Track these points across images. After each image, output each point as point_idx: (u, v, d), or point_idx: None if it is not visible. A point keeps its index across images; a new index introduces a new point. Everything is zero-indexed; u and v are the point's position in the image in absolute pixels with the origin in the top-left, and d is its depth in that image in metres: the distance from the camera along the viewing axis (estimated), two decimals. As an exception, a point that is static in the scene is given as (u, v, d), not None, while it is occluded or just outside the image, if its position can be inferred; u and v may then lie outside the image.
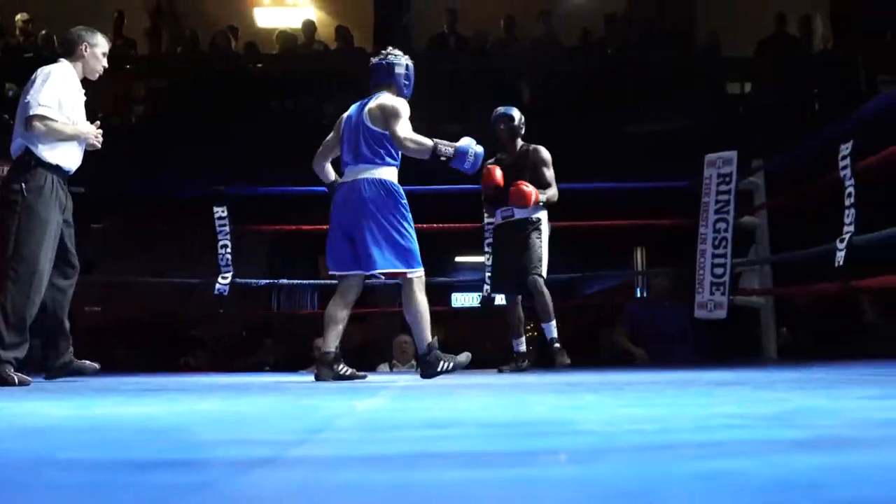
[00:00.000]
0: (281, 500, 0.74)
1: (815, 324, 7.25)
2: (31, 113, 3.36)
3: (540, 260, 4.52)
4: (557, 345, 4.51)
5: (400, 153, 3.72)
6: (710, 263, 5.75)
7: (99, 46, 3.73)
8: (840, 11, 9.20)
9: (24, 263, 3.32)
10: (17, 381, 3.15)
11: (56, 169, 3.46)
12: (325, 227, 5.83)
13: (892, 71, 9.18)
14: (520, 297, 4.67)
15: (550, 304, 4.51)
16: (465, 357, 3.72)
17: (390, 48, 3.96)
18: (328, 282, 6.53)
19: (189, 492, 0.76)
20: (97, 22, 8.60)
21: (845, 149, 4.50)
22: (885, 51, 9.36)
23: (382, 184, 3.63)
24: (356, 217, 3.61)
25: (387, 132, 3.61)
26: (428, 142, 3.59)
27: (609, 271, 9.16)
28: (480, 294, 5.83)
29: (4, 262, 3.33)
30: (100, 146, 3.65)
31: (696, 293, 5.80)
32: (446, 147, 3.62)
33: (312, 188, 5.89)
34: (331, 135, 3.91)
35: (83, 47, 3.67)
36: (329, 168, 3.93)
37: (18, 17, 8.09)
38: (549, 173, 4.64)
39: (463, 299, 9.91)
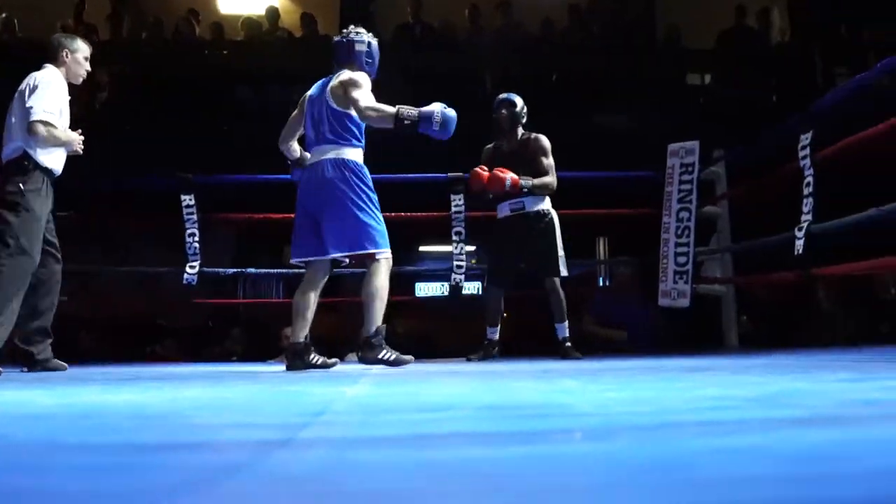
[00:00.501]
0: (319, 477, 0.74)
1: (774, 312, 7.39)
2: (34, 118, 3.47)
3: (560, 260, 4.55)
4: (569, 344, 4.52)
5: (364, 133, 3.63)
6: (673, 252, 5.82)
7: (80, 51, 3.79)
8: (797, 4, 9.36)
9: (19, 258, 3.48)
10: None
11: (49, 172, 3.62)
12: (291, 215, 5.83)
13: (848, 63, 9.36)
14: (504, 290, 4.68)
15: (563, 304, 4.54)
16: (409, 358, 3.60)
17: (352, 26, 3.84)
18: (295, 270, 6.51)
19: (229, 471, 0.76)
20: (58, 6, 8.50)
21: (805, 139, 4.58)
22: (840, 43, 9.55)
23: (346, 164, 3.54)
24: (320, 199, 3.54)
25: (349, 111, 3.52)
26: (390, 109, 3.44)
27: (572, 260, 9.23)
28: (448, 283, 5.86)
29: None
30: (80, 153, 3.73)
31: (659, 282, 5.87)
32: (409, 111, 3.45)
33: (280, 176, 5.87)
34: (295, 112, 3.85)
35: (64, 53, 3.73)
36: (295, 145, 3.84)
37: (-24, 0, 8.00)
38: (548, 161, 4.60)
39: (427, 289, 9.92)
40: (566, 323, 4.56)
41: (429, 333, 7.69)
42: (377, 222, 3.58)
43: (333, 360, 3.84)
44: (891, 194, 5.73)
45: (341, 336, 7.30)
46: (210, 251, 5.78)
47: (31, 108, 3.49)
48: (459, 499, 0.67)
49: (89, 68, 3.86)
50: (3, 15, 7.96)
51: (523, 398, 1.64)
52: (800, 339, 6.92)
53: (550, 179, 4.57)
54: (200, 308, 7.34)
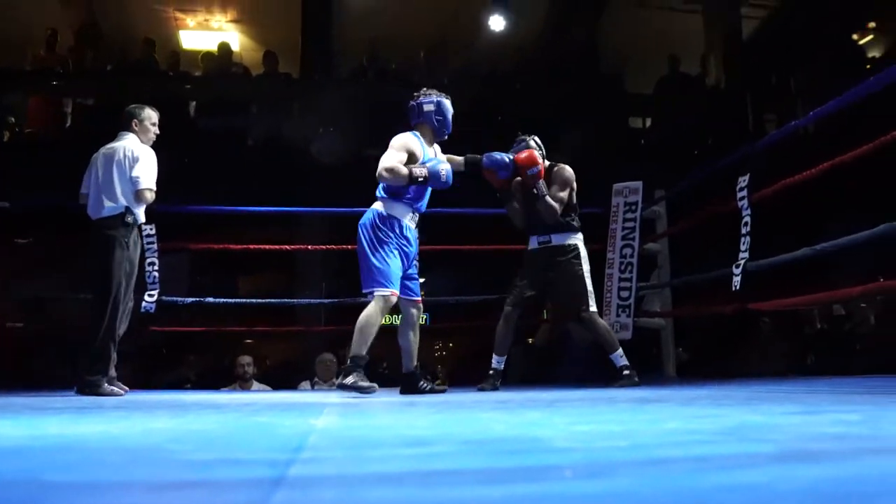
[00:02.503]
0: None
1: (710, 344, 7.50)
2: (143, 187, 4.17)
3: (587, 294, 4.46)
4: (627, 371, 4.45)
5: (409, 188, 3.98)
6: (616, 287, 5.88)
7: (147, 119, 4.36)
8: (731, 54, 9.63)
9: (117, 297, 4.11)
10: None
11: (140, 226, 4.35)
12: (249, 246, 5.76)
13: (776, 111, 9.66)
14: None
15: (609, 334, 4.53)
16: (373, 386, 3.77)
17: (424, 89, 4.24)
18: (250, 301, 6.43)
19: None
20: (27, 38, 8.38)
21: (743, 181, 4.69)
22: (770, 92, 9.86)
23: (376, 213, 4.00)
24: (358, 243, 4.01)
25: None
26: (403, 171, 3.86)
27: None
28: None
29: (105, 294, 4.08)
30: None
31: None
32: (419, 171, 3.90)
33: (239, 208, 5.81)
34: None
35: (133, 123, 4.32)
36: None
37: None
38: (560, 194, 4.51)
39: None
40: (619, 351, 4.50)
41: (374, 361, 7.64)
42: (382, 263, 3.90)
43: (442, 387, 4.45)
44: (816, 234, 5.87)
45: (294, 364, 7.21)
46: (166, 279, 5.66)
47: (138, 177, 4.15)
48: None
49: (158, 131, 4.40)
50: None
51: (498, 432, 1.62)
52: (734, 369, 7.03)
53: (554, 205, 4.48)
54: (152, 335, 7.18)
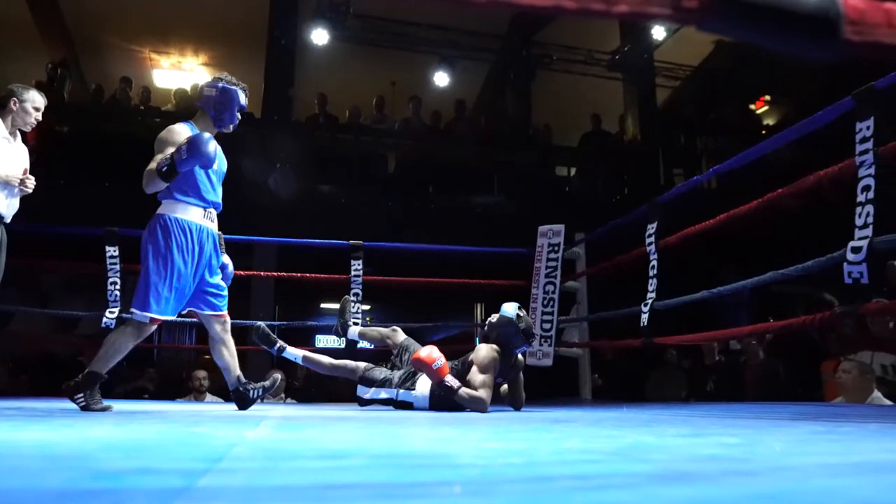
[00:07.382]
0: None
1: (622, 370, 7.55)
2: None
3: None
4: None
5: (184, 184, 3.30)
6: (539, 319, 5.89)
7: (29, 102, 3.58)
8: (646, 116, 9.87)
9: None
10: None
11: None
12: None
13: (683, 166, 9.89)
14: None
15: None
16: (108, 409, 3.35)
17: (218, 74, 3.44)
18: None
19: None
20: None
21: (651, 228, 4.75)
22: (678, 150, 10.10)
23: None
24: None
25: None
26: (151, 166, 3.18)
27: (453, 322, 9.25)
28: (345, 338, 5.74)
29: None
30: (29, 190, 3.60)
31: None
32: (163, 158, 3.13)
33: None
34: None
35: (13, 102, 3.56)
36: None
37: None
38: (483, 377, 3.75)
39: (325, 341, 9.79)
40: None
41: (324, 380, 7.52)
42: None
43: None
44: (713, 278, 5.95)
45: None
46: (128, 299, 5.50)
47: None
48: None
49: (39, 118, 3.60)
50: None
51: (411, 446, 1.57)
52: (643, 394, 7.07)
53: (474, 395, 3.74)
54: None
